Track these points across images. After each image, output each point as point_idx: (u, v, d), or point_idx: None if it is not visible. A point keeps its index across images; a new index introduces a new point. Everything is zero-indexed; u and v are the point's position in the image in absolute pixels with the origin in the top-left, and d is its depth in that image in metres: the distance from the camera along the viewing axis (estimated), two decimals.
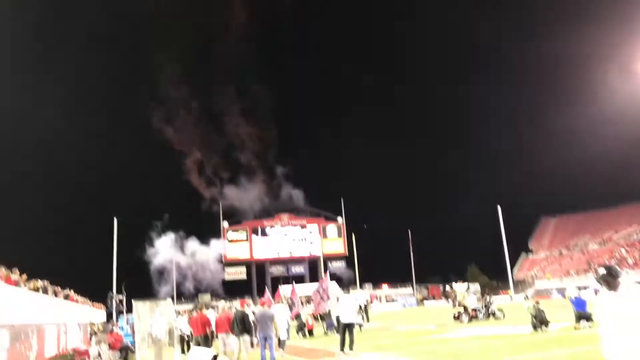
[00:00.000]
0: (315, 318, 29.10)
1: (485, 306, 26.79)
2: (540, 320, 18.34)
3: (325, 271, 75.28)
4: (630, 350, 4.85)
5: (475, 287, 75.28)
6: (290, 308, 27.94)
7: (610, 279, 5.10)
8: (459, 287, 30.88)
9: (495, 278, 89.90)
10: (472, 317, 25.80)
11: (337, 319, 16.90)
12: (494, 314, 26.16)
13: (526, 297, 59.19)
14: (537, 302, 19.61)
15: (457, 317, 26.39)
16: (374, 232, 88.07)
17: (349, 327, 15.93)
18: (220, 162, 78.43)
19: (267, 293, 30.73)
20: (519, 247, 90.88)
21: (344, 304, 16.46)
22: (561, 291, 56.47)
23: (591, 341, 14.02)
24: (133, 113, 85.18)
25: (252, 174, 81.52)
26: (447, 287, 30.03)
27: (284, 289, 53.84)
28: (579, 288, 27.70)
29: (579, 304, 18.92)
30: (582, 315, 18.40)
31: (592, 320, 18.31)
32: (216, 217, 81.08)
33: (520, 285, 78.46)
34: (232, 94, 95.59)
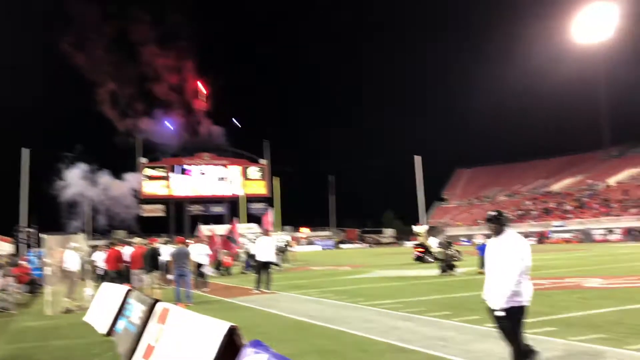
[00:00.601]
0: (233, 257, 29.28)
1: (446, 259, 25.35)
2: (447, 265, 19.34)
3: (245, 211, 75.38)
4: (492, 290, 5.31)
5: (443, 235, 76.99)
6: (233, 242, 27.89)
7: (496, 225, 5.46)
8: (419, 228, 30.95)
9: (409, 224, 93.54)
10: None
11: (255, 258, 17.07)
12: (451, 268, 24.79)
13: (439, 244, 62.04)
14: (447, 246, 20.61)
15: (420, 259, 26.70)
16: (297, 175, 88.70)
17: (266, 266, 16.18)
18: (136, 94, 74.77)
19: (201, 231, 30.15)
20: (434, 196, 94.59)
21: (262, 244, 16.62)
22: (469, 239, 59.72)
23: None
24: (39, 36, 79.50)
25: (168, 108, 78.76)
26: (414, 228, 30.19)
27: (204, 228, 53.53)
28: (486, 236, 29.22)
29: (484, 250, 19.97)
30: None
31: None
32: (133, 151, 78.47)
33: (432, 231, 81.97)
34: (148, 21, 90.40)
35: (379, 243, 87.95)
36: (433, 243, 27.03)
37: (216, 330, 4.34)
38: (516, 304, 5.21)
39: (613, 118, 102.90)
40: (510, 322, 5.22)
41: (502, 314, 5.19)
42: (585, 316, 8.92)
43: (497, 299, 5.22)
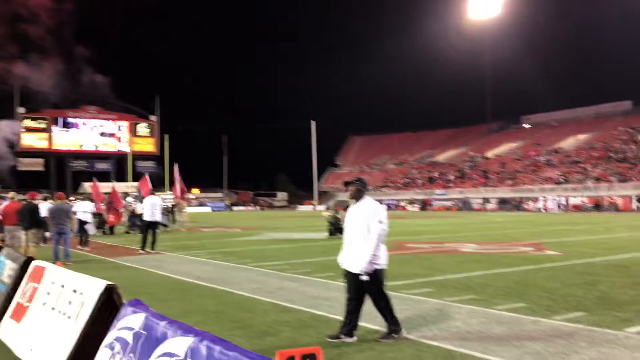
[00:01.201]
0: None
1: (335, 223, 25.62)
2: (336, 228, 19.84)
3: (132, 170, 72.52)
4: (352, 255, 5.48)
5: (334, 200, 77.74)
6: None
7: (355, 190, 5.64)
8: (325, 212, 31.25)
9: (302, 188, 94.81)
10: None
11: (142, 218, 16.53)
12: (340, 231, 25.05)
13: (327, 207, 63.43)
14: (336, 212, 21.14)
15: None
16: (189, 134, 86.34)
17: (152, 226, 15.73)
18: (7, 35, 68.45)
19: (96, 185, 28.20)
20: (327, 162, 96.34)
21: (148, 203, 16.10)
22: None
23: None
24: None
25: (46, 53, 73.02)
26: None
27: (88, 185, 50.99)
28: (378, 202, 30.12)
29: None
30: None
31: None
32: (8, 99, 72.43)
33: (324, 196, 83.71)
34: None
35: (271, 206, 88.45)
36: (323, 207, 27.69)
37: (93, 289, 4.16)
38: (378, 267, 5.45)
39: (496, 94, 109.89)
40: (374, 285, 5.44)
41: (367, 278, 5.39)
42: (459, 278, 9.54)
43: (359, 263, 5.38)
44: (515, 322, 6.19)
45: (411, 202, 67.45)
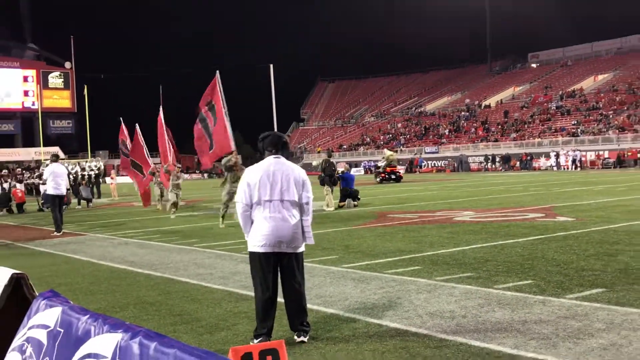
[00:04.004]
0: (29, 190, 27.80)
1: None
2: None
3: (42, 131, 71.19)
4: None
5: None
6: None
7: (270, 144, 5.62)
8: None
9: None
10: None
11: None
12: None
13: None
14: None
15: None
16: (114, 83, 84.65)
17: (57, 200, 15.39)
18: None
19: None
20: (291, 116, 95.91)
21: (50, 172, 15.65)
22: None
23: (349, 219, 15.81)
24: None
25: None
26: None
27: None
28: (350, 165, 30.34)
29: (347, 180, 20.69)
30: (348, 192, 20.28)
31: (358, 198, 20.48)
32: None
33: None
34: None
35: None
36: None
37: None
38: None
39: (496, 27, 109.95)
40: (298, 261, 5.48)
41: (303, 248, 5.49)
42: (453, 253, 9.72)
43: (295, 237, 5.41)
44: (519, 303, 6.35)
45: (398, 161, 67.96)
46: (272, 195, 5.37)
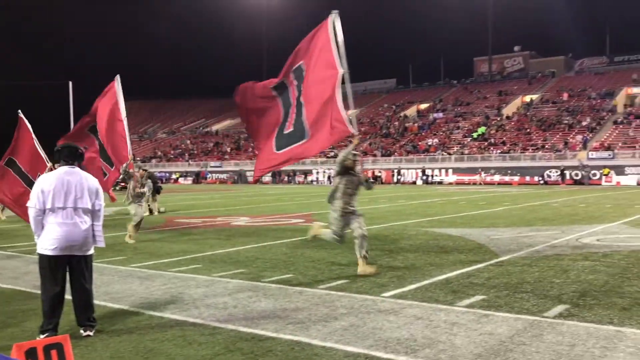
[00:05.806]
0: None
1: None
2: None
3: None
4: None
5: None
6: None
7: (67, 156, 5.31)
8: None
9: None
10: None
11: None
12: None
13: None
14: None
15: None
16: None
17: None
18: None
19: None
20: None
21: None
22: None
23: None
24: None
25: None
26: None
27: None
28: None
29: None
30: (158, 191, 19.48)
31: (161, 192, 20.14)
32: None
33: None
34: None
35: None
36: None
37: None
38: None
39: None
40: (87, 263, 5.19)
41: (92, 251, 5.21)
42: (229, 252, 9.77)
43: (86, 241, 5.11)
44: (281, 294, 6.54)
45: (185, 174, 66.73)
46: (65, 203, 5.00)
